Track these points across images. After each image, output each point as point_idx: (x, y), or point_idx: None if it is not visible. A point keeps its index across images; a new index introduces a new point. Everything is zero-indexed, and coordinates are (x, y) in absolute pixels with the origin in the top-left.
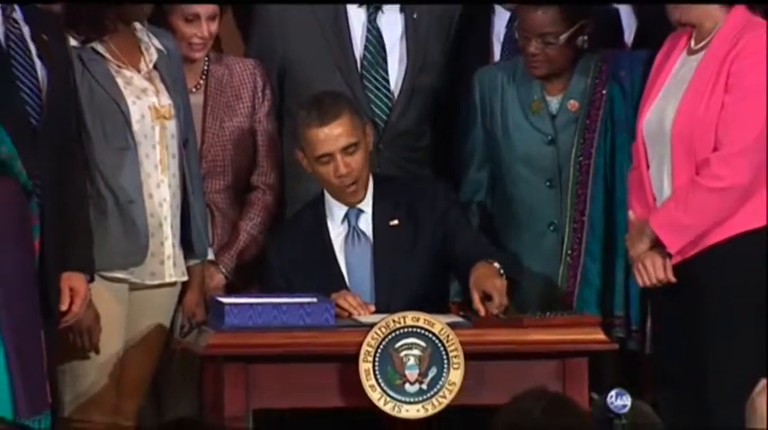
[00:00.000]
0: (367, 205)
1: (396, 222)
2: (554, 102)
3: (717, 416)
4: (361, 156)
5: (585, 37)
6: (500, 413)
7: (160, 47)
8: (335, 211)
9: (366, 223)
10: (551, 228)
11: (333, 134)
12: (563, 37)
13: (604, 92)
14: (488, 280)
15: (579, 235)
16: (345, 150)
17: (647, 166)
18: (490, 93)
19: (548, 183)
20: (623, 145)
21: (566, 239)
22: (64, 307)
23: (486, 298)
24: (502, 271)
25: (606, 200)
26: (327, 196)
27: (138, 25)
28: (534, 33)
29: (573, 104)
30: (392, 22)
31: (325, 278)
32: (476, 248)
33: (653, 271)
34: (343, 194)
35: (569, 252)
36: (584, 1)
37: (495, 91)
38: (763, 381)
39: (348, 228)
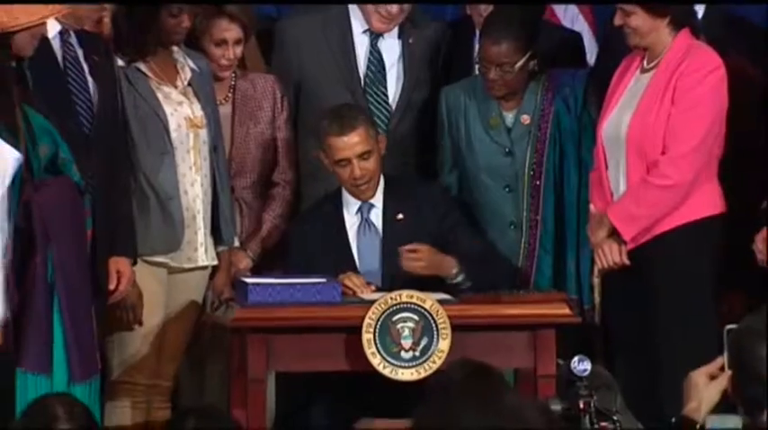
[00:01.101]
0: (378, 201)
1: (401, 217)
2: (509, 117)
3: (665, 377)
4: (373, 161)
5: (535, 61)
6: (431, 377)
7: (194, 66)
8: (351, 205)
9: (376, 216)
10: (512, 226)
11: (350, 143)
12: (518, 65)
13: (552, 107)
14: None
15: (534, 232)
16: (361, 156)
17: (606, 167)
18: (455, 109)
19: (506, 189)
20: (569, 154)
21: (523, 236)
22: (112, 286)
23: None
24: (455, 269)
25: (556, 202)
26: (344, 191)
27: (175, 48)
28: (493, 63)
29: (525, 119)
30: (391, 46)
31: (339, 260)
32: (468, 247)
33: (610, 255)
34: (356, 192)
35: (526, 246)
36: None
37: (458, 108)
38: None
39: (360, 219)
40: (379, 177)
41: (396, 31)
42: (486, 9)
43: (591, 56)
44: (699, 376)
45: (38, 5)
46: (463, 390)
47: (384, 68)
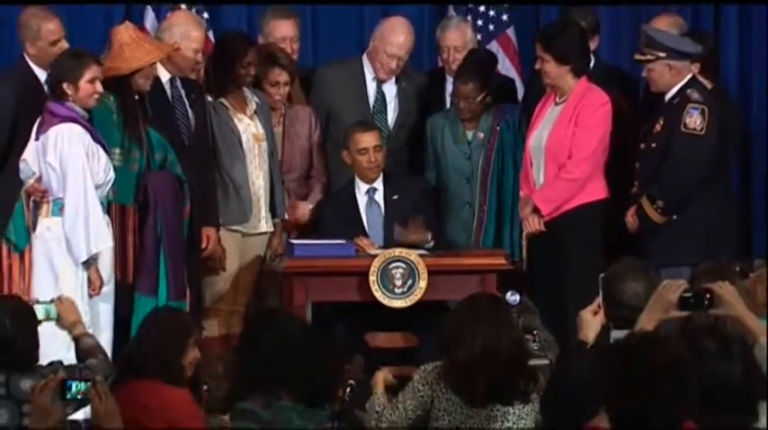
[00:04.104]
0: (380, 185)
1: (396, 197)
2: (470, 134)
3: (569, 307)
4: (382, 155)
5: (490, 97)
6: (458, 302)
7: (257, 100)
8: (361, 189)
9: (379, 197)
10: (467, 206)
11: (370, 137)
12: (479, 99)
13: (498, 127)
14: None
15: (483, 208)
16: (375, 148)
17: (531, 166)
18: (436, 130)
19: (465, 181)
20: (508, 158)
21: (475, 213)
22: (203, 246)
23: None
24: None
25: (498, 190)
26: (357, 180)
27: (245, 88)
28: (462, 98)
29: (480, 135)
30: (390, 89)
31: (354, 228)
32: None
33: (533, 224)
34: (368, 173)
35: (478, 220)
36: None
37: (438, 129)
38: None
39: (368, 199)
40: (383, 167)
41: (393, 79)
42: (456, 63)
43: (519, 93)
44: (585, 313)
45: (143, 54)
46: (484, 310)
47: (386, 103)
